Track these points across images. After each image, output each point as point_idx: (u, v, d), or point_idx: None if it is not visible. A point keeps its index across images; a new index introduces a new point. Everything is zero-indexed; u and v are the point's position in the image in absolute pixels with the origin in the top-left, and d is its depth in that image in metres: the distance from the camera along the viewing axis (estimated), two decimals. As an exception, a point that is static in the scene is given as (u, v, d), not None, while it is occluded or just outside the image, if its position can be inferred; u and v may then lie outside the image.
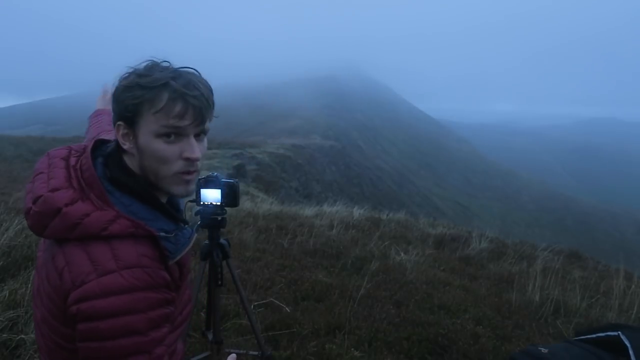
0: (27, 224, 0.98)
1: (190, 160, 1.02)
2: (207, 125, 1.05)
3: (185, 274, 1.13)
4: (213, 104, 1.05)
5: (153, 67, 1.00)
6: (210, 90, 1.05)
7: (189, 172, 1.03)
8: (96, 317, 0.88)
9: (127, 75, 1.00)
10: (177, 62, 1.05)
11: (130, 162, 1.04)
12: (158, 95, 0.97)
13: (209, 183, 2.00)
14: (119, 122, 1.01)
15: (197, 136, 1.04)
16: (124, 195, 1.00)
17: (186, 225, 1.11)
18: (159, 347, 0.94)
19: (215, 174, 2.05)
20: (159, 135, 0.99)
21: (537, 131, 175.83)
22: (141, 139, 1.00)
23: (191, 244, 1.11)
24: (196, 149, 1.02)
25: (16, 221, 3.96)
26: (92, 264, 0.91)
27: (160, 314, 0.94)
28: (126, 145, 1.02)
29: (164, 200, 1.09)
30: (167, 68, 1.01)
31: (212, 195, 2.01)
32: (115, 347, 0.89)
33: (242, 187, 2.48)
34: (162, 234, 1.00)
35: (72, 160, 1.04)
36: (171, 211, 1.07)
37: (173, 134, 0.99)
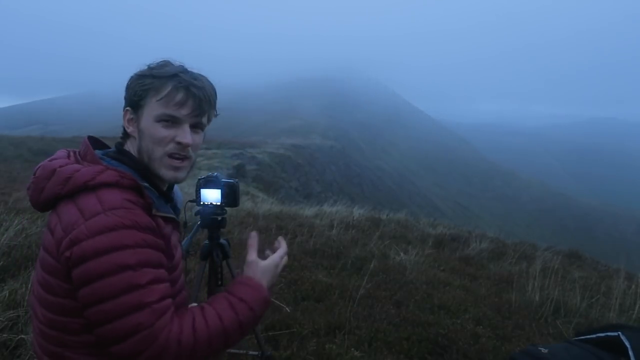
0: (29, 202, 1.05)
1: (182, 145, 1.09)
2: (205, 120, 1.13)
3: (172, 251, 1.12)
4: (214, 103, 1.14)
5: (166, 63, 1.10)
6: (214, 91, 1.14)
7: (179, 157, 1.10)
8: (87, 258, 0.91)
9: (143, 68, 1.10)
10: (177, 58, 1.14)
11: (132, 148, 1.13)
12: (164, 84, 1.07)
13: (209, 183, 1.99)
14: (126, 108, 1.11)
15: (194, 127, 1.11)
16: (116, 162, 1.10)
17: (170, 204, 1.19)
18: (155, 294, 0.93)
19: (215, 174, 2.04)
20: (159, 120, 1.08)
21: (537, 131, 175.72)
22: (143, 122, 1.09)
23: (176, 215, 1.21)
24: (188, 135, 1.09)
25: (16, 221, 3.96)
26: (79, 212, 0.96)
27: (149, 255, 0.96)
28: (130, 129, 1.11)
29: (163, 188, 1.17)
30: (179, 65, 1.11)
31: (212, 196, 2.01)
32: (106, 286, 0.90)
33: (242, 187, 2.48)
34: (146, 184, 1.06)
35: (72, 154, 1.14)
36: (160, 187, 1.14)
37: (171, 121, 1.08)
